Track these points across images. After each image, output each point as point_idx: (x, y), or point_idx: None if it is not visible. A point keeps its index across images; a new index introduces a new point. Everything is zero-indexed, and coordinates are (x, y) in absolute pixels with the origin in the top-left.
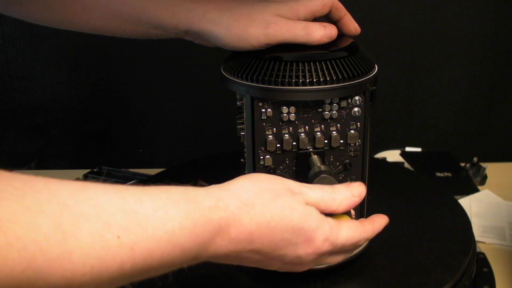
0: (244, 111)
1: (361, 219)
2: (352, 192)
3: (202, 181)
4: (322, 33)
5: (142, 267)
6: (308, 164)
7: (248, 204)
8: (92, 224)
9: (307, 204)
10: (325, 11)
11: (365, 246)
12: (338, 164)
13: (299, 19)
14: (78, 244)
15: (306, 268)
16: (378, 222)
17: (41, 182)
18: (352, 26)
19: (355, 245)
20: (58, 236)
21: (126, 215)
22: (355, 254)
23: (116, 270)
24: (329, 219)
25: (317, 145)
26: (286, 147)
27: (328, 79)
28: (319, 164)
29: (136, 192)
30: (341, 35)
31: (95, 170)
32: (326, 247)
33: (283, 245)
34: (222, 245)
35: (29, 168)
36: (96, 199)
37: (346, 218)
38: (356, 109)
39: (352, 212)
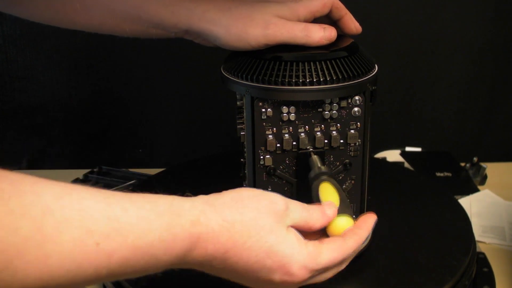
0: (244, 111)
1: (344, 232)
2: (325, 210)
3: (188, 193)
4: (322, 34)
5: (117, 273)
6: (308, 164)
7: (228, 221)
8: (74, 229)
9: (288, 227)
10: (325, 11)
11: (366, 246)
12: (338, 164)
13: (299, 20)
14: (57, 248)
15: None
16: (363, 227)
17: (28, 183)
18: (353, 25)
19: (342, 263)
20: (37, 239)
21: (109, 222)
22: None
23: (91, 274)
24: (309, 245)
25: (317, 145)
26: (286, 147)
27: (328, 79)
28: (319, 165)
29: (122, 199)
30: (341, 35)
31: (95, 170)
32: (303, 275)
33: (257, 268)
34: (197, 258)
35: (20, 168)
36: (81, 204)
37: (347, 218)
38: (356, 109)
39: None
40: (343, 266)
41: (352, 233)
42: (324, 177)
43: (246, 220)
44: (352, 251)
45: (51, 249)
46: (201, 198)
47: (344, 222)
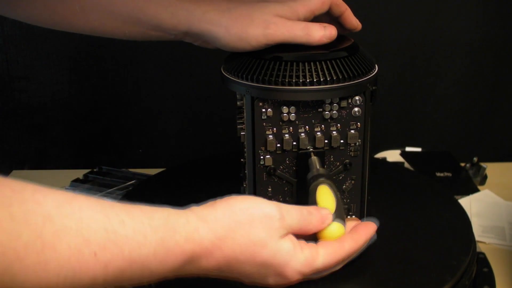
0: (244, 111)
1: (343, 236)
2: (323, 216)
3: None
4: (322, 33)
5: (112, 283)
6: (308, 165)
7: (221, 238)
8: (72, 238)
9: (281, 236)
10: (325, 8)
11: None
12: (338, 164)
13: (299, 19)
14: (55, 255)
15: None
16: (362, 234)
17: (29, 191)
18: (354, 20)
19: (338, 265)
20: (37, 246)
21: (106, 234)
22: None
23: (87, 283)
24: (305, 250)
25: (317, 145)
26: (286, 147)
27: (328, 79)
28: (318, 167)
29: (120, 211)
30: (341, 35)
31: (95, 170)
32: (297, 278)
33: (251, 275)
34: (192, 270)
35: (21, 168)
36: (80, 213)
37: (339, 226)
38: (356, 109)
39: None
40: (338, 268)
41: (350, 238)
42: (322, 179)
43: (238, 238)
44: (347, 256)
45: (49, 256)
46: (195, 213)
47: (335, 229)
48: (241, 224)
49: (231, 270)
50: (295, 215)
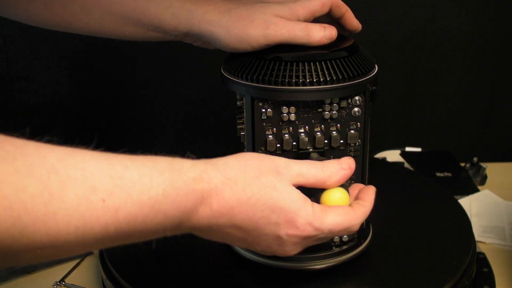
0: (244, 111)
1: (352, 203)
2: (342, 165)
3: (190, 153)
4: (322, 34)
5: (126, 231)
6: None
7: (231, 179)
8: (79, 187)
9: (292, 184)
10: (325, 10)
11: (365, 247)
12: None
13: (298, 20)
14: (63, 205)
15: (290, 252)
16: (368, 200)
17: (32, 146)
18: (355, 22)
19: (347, 231)
20: (44, 197)
21: (112, 180)
22: (356, 253)
23: (100, 232)
24: (315, 205)
25: (317, 145)
26: (286, 147)
27: (328, 79)
28: (318, 156)
29: (123, 159)
30: (341, 35)
31: None
32: (309, 231)
33: (263, 223)
34: (204, 217)
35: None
36: (84, 164)
37: (343, 192)
38: (356, 109)
39: (348, 195)
40: (346, 233)
41: (359, 205)
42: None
43: (248, 178)
44: (358, 222)
45: (57, 206)
46: (202, 160)
47: (340, 195)
48: (251, 167)
49: (242, 218)
50: (305, 164)
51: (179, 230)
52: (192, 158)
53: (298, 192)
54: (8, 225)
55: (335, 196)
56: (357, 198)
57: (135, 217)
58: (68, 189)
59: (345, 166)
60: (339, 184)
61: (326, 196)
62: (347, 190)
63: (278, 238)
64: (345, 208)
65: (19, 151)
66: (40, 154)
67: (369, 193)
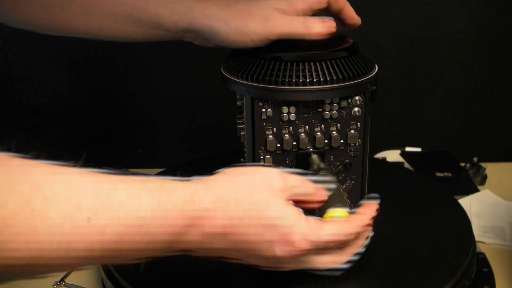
0: (244, 111)
1: (349, 216)
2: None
3: (181, 172)
4: (321, 27)
5: (112, 251)
6: (308, 164)
7: (222, 199)
8: (63, 205)
9: (286, 200)
10: (323, 4)
11: (365, 247)
12: (338, 164)
13: (297, 14)
14: (46, 223)
15: (289, 268)
16: (366, 214)
17: (17, 161)
18: (355, 15)
19: (344, 243)
20: (25, 213)
21: (99, 199)
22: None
23: (84, 251)
24: (310, 218)
25: (317, 145)
26: (286, 147)
27: (328, 79)
28: (318, 162)
29: (111, 178)
30: (341, 35)
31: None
32: (304, 246)
33: (258, 242)
34: (195, 238)
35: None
36: (70, 181)
37: (341, 212)
38: (356, 109)
39: (347, 211)
40: (345, 257)
41: (354, 216)
42: (323, 172)
43: (240, 197)
44: (354, 232)
45: (40, 224)
46: (192, 181)
47: (340, 213)
48: (242, 185)
49: (235, 237)
50: (297, 180)
51: (170, 251)
52: (183, 177)
53: (292, 207)
54: None
55: (337, 214)
56: (357, 210)
57: (121, 237)
58: (52, 207)
59: (322, 190)
60: (324, 200)
61: (328, 214)
62: (349, 211)
63: (274, 256)
64: (341, 220)
65: (3, 166)
66: (24, 170)
67: (368, 208)
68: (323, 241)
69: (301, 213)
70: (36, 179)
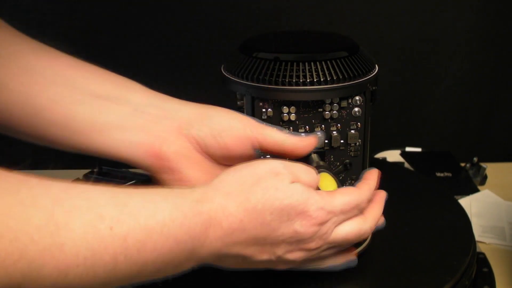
0: (245, 111)
1: (357, 183)
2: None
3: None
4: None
5: (136, 261)
6: (308, 164)
7: (231, 193)
8: (85, 215)
9: (291, 182)
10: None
11: (365, 247)
12: (338, 164)
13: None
14: (70, 235)
15: (314, 246)
16: (371, 179)
17: (35, 179)
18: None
19: (357, 209)
20: (50, 227)
21: (118, 208)
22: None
23: (109, 262)
24: (320, 191)
25: (317, 145)
26: None
27: (328, 79)
28: (317, 160)
29: (124, 190)
30: (341, 35)
31: (95, 170)
32: (323, 215)
33: (277, 224)
34: (217, 238)
35: (24, 168)
36: (87, 193)
37: (330, 179)
38: (356, 109)
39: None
40: (369, 220)
41: (362, 182)
42: (323, 169)
43: (248, 187)
44: (365, 197)
45: (64, 236)
46: (198, 186)
47: (327, 182)
48: (247, 176)
49: (254, 226)
50: (300, 167)
51: (195, 259)
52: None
53: (300, 185)
54: (15, 259)
55: (324, 183)
56: (362, 179)
57: (144, 244)
58: (75, 218)
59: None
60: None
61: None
62: (335, 179)
63: (296, 233)
64: (349, 187)
65: (23, 183)
66: (43, 186)
67: (372, 173)
68: (338, 208)
69: (311, 188)
70: (56, 193)
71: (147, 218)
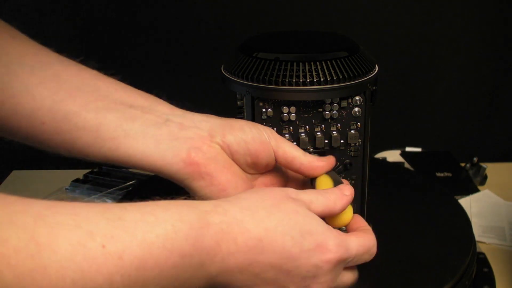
0: (245, 111)
1: (360, 231)
2: (343, 191)
3: (187, 196)
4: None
5: (136, 280)
6: None
7: (249, 209)
8: (72, 233)
9: (308, 209)
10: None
11: None
12: (338, 164)
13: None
14: (54, 256)
15: (324, 284)
16: (366, 225)
17: (14, 197)
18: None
19: (368, 254)
20: (30, 249)
21: (111, 222)
22: None
23: (103, 283)
24: (334, 230)
25: (317, 145)
26: None
27: (328, 79)
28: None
29: (119, 203)
30: (341, 35)
31: (95, 170)
32: (341, 253)
33: (297, 253)
34: (229, 253)
35: (22, 168)
36: (75, 209)
37: (349, 215)
38: (356, 109)
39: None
40: (356, 272)
41: (366, 230)
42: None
43: (268, 206)
44: (375, 242)
45: (47, 258)
46: (210, 200)
47: (349, 212)
48: (266, 197)
49: (274, 250)
50: (313, 193)
51: (203, 278)
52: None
53: (317, 216)
54: None
55: (348, 215)
56: (356, 229)
57: (144, 261)
58: (59, 237)
59: (346, 192)
60: (343, 210)
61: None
62: (334, 179)
63: (315, 267)
64: (361, 232)
65: (0, 201)
66: (23, 203)
67: (362, 220)
68: (353, 250)
69: (326, 223)
70: (38, 210)
71: (146, 232)
